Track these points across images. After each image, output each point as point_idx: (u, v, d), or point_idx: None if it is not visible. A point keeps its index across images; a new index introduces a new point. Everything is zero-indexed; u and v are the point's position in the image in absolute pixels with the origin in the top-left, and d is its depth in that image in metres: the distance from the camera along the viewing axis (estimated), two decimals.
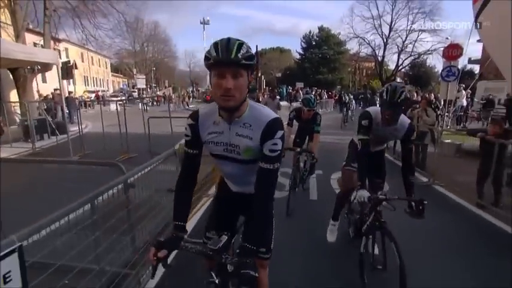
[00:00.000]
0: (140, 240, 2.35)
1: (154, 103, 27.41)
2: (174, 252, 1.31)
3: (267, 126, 1.22)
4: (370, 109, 2.36)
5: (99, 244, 1.75)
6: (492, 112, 13.98)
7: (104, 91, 35.36)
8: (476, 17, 6.83)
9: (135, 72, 38.84)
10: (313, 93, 21.55)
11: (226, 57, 1.09)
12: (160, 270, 2.46)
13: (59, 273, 1.50)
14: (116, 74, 47.06)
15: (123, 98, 24.06)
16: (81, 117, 8.80)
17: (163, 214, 2.85)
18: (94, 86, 37.98)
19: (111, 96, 30.54)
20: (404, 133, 2.20)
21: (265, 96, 14.89)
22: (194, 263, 2.00)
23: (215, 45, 1.11)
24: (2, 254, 0.94)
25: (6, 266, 0.96)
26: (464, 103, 14.07)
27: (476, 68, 25.97)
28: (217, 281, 1.41)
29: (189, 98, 31.89)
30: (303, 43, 41.90)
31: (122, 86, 42.00)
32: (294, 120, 4.12)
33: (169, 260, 1.27)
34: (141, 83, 34.75)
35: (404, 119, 2.22)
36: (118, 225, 2.02)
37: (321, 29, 40.53)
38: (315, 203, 4.25)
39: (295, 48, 44.63)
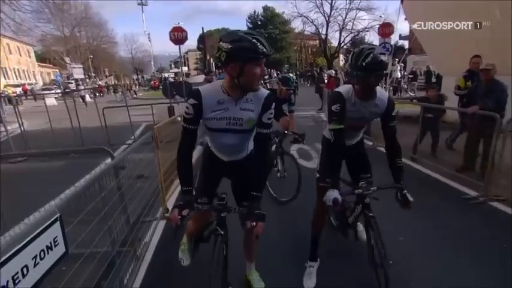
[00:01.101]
0: (132, 220, 2.48)
1: (97, 94, 25.20)
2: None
3: (265, 100, 1.53)
4: (340, 88, 1.95)
5: (101, 227, 1.86)
6: (416, 83, 16.19)
7: (31, 84, 31.09)
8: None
9: (67, 61, 34.54)
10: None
11: (270, 51, 1.37)
12: (153, 245, 2.68)
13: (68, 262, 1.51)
14: (44, 64, 41.42)
15: (59, 90, 21.63)
16: (11, 116, 7.95)
17: (148, 197, 3.00)
18: (17, 78, 33.13)
19: (43, 89, 27.04)
20: (385, 108, 1.87)
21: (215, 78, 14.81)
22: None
23: (259, 41, 1.34)
24: (49, 222, 1.07)
25: (53, 232, 1.10)
26: (399, 75, 15.87)
27: (406, 44, 28.90)
28: (222, 232, 1.70)
29: (135, 86, 29.98)
30: (248, 23, 41.68)
31: (54, 78, 37.23)
32: None
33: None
34: (77, 73, 31.34)
35: (382, 93, 1.90)
36: (112, 206, 2.13)
37: (265, 8, 40.66)
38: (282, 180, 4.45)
39: (241, 28, 43.87)
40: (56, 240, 1.10)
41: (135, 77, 44.12)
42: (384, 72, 1.87)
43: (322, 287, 2.20)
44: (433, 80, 14.11)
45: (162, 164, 3.29)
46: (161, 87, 19.13)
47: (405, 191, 1.79)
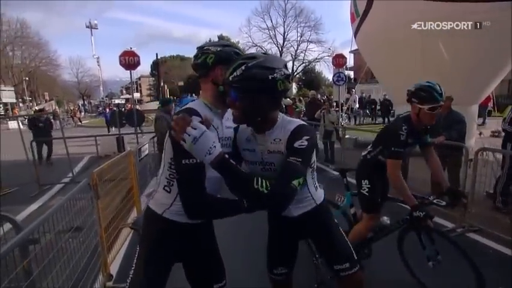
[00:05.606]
0: None
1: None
2: None
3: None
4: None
5: None
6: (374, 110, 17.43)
7: None
8: (355, 33, 8.24)
9: None
10: None
11: None
12: None
13: None
14: None
15: None
16: None
17: (73, 262, 2.18)
18: None
19: None
20: (287, 139, 1.19)
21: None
22: None
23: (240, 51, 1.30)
24: None
25: None
26: (357, 106, 16.78)
27: (351, 74, 31.67)
28: None
29: (80, 113, 27.43)
30: None
31: None
32: None
33: None
34: (7, 96, 27.75)
35: (292, 122, 1.26)
36: None
37: (220, 37, 41.45)
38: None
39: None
40: None
41: (80, 102, 40.69)
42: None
43: None
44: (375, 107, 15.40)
45: (104, 215, 2.55)
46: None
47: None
